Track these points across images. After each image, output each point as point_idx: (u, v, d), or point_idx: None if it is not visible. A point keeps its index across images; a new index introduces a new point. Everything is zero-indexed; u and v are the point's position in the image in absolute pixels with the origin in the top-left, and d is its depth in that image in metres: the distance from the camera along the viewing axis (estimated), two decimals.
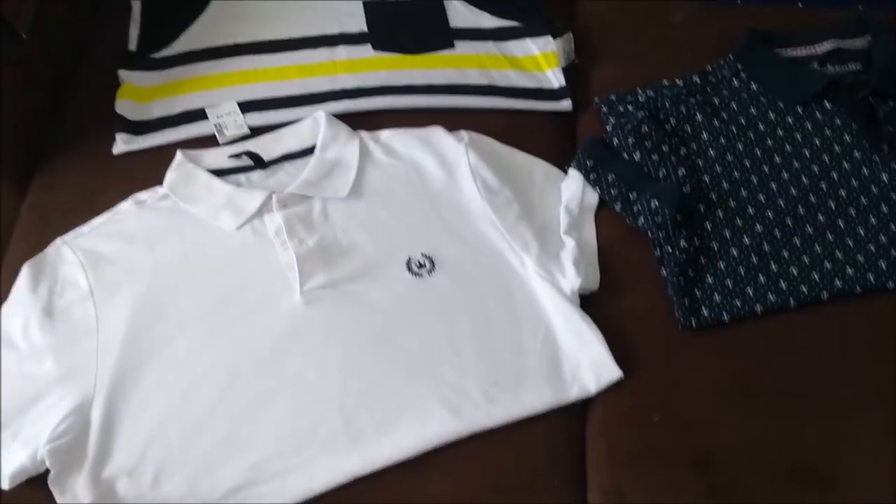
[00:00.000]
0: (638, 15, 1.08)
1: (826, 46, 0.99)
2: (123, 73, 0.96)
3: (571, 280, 0.83)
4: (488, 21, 1.04)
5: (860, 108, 0.92)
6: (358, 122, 0.94)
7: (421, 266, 0.83)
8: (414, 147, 0.91)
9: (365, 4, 1.03)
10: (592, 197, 0.91)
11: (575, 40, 1.04)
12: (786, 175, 0.89)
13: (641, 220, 0.87)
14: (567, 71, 1.02)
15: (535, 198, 0.90)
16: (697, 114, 0.94)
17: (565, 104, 0.99)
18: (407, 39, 1.01)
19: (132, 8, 1.02)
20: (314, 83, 0.96)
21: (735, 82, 0.97)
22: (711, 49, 1.01)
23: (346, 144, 0.90)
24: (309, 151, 0.90)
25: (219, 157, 0.89)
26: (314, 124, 0.91)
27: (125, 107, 0.93)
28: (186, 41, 0.99)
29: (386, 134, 0.92)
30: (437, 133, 0.92)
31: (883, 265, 0.83)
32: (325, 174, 0.88)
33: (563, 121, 1.00)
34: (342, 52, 0.99)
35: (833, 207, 0.87)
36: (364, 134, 0.92)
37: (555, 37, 1.02)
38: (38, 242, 0.86)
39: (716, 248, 0.85)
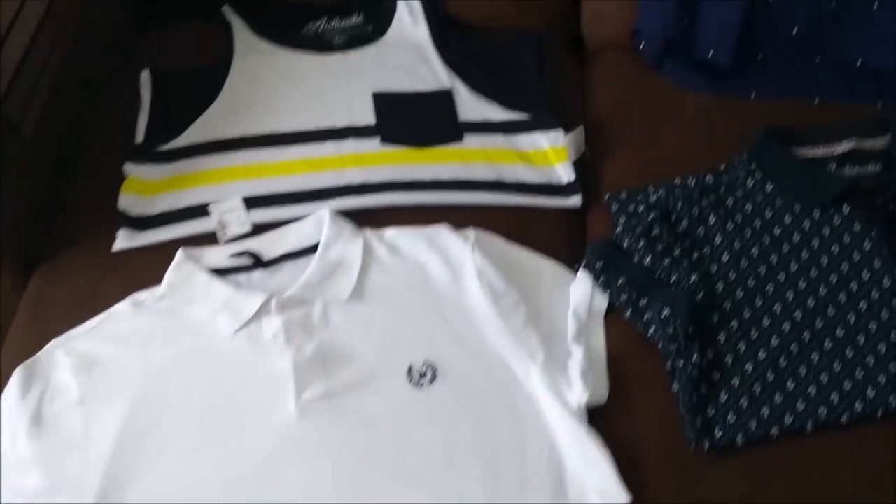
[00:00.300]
0: (651, 107, 1.06)
1: (844, 146, 0.96)
2: (129, 167, 0.95)
3: (579, 395, 0.79)
4: (498, 114, 1.03)
5: (880, 213, 0.89)
6: (363, 217, 0.93)
7: (422, 376, 0.81)
8: (419, 246, 0.89)
9: (374, 96, 1.03)
10: (602, 301, 0.88)
11: (587, 131, 1.03)
12: (802, 284, 0.86)
13: (652, 329, 0.84)
14: (577, 164, 1.00)
15: (543, 301, 0.88)
16: (711, 215, 0.91)
17: (574, 200, 0.97)
18: (415, 132, 1.00)
19: (141, 97, 1.02)
20: (320, 178, 0.95)
21: (750, 182, 0.95)
22: (726, 144, 0.99)
23: (349, 243, 0.88)
24: (312, 250, 0.88)
25: (220, 256, 0.88)
26: (318, 222, 0.90)
27: (129, 201, 0.92)
28: (194, 133, 0.99)
29: (390, 232, 0.91)
30: (443, 232, 0.90)
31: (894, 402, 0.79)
32: (328, 275, 0.86)
33: (572, 217, 0.98)
34: (350, 145, 0.98)
35: (852, 321, 0.83)
36: (368, 232, 0.90)
37: (566, 130, 1.01)
38: (35, 338, 0.84)
39: (730, 363, 0.82)
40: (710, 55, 1.05)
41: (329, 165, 0.96)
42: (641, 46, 1.08)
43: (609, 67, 1.12)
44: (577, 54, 1.16)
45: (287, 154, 0.97)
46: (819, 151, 0.97)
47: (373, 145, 0.98)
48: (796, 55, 1.05)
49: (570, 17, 1.15)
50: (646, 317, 0.85)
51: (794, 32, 1.04)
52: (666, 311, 0.83)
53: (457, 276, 0.88)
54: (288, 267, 0.88)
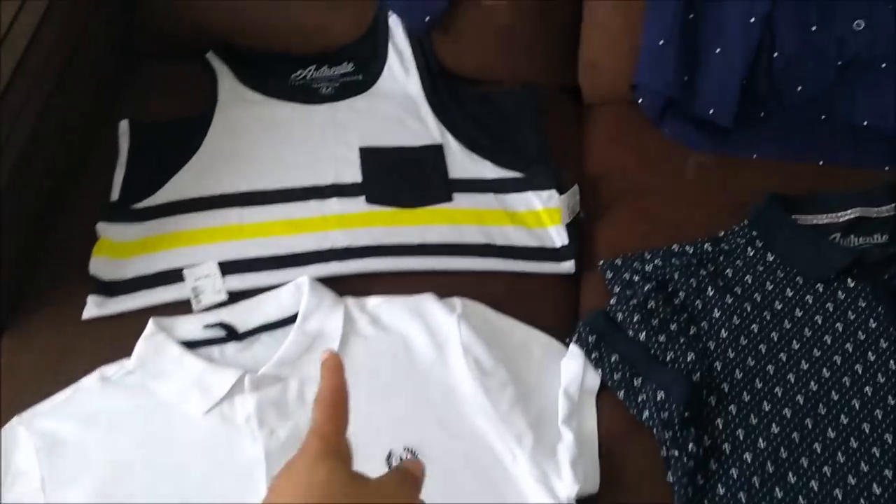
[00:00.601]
0: (650, 165, 1.02)
1: (850, 215, 0.92)
2: (102, 227, 0.91)
3: (568, 485, 0.75)
4: (490, 171, 0.99)
5: (886, 288, 0.85)
6: (346, 283, 0.89)
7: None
8: (403, 318, 0.85)
9: (361, 151, 0.99)
10: (594, 379, 0.83)
11: (582, 191, 0.99)
12: (805, 365, 0.82)
13: (646, 413, 0.79)
14: (572, 226, 0.96)
15: (532, 379, 0.83)
16: (709, 287, 0.87)
17: (568, 266, 0.92)
18: (403, 192, 0.96)
19: (119, 149, 0.98)
20: (302, 241, 0.91)
21: (750, 252, 0.90)
22: (727, 207, 0.95)
23: (329, 314, 0.84)
24: (290, 321, 0.84)
25: (193, 326, 0.83)
26: (296, 291, 0.86)
27: (101, 265, 0.88)
28: (172, 189, 0.95)
29: (373, 302, 0.86)
30: (428, 302, 0.86)
31: None
32: (305, 349, 0.82)
33: (565, 283, 0.94)
34: (334, 205, 0.94)
35: (857, 407, 0.79)
36: (350, 301, 0.86)
37: (560, 189, 0.97)
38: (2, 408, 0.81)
39: (728, 451, 0.77)
40: (711, 113, 1.01)
41: (311, 227, 0.92)
42: (640, 101, 1.05)
43: (607, 121, 1.08)
44: (574, 105, 1.13)
45: (268, 214, 0.93)
46: (823, 219, 0.93)
47: (358, 205, 0.94)
48: (800, 115, 1.01)
49: (567, 68, 1.11)
50: (640, 398, 0.80)
51: (798, 92, 1.00)
52: (661, 395, 0.79)
53: (442, 351, 0.84)
54: (264, 339, 0.84)
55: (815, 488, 0.75)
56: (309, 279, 0.86)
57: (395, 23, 1.06)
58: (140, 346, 0.82)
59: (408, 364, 0.82)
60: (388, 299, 0.87)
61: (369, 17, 1.07)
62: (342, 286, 0.88)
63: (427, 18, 1.03)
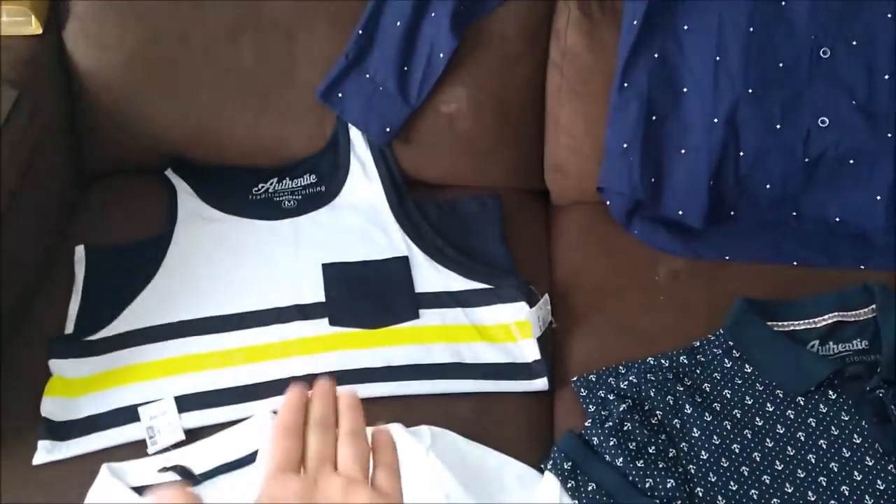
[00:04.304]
0: (621, 271, 1.00)
1: (827, 320, 0.90)
2: (55, 364, 0.87)
3: None
4: (457, 283, 0.96)
5: (868, 399, 0.82)
6: None
7: None
8: None
9: (324, 267, 0.96)
10: None
11: (552, 299, 0.96)
12: (789, 487, 0.78)
13: None
14: (544, 339, 0.93)
15: None
16: (686, 405, 0.84)
17: (540, 384, 0.89)
18: (367, 311, 0.93)
19: (75, 277, 0.95)
20: (263, 370, 0.87)
21: (727, 363, 0.87)
22: (700, 312, 0.93)
23: None
24: (250, 459, 0.80)
25: (147, 471, 0.79)
26: (256, 427, 0.82)
27: (53, 405, 0.84)
28: (129, 319, 0.91)
29: None
30: (397, 433, 0.82)
31: None
32: None
33: (539, 401, 0.90)
34: (295, 329, 0.91)
35: None
36: None
37: (530, 301, 0.94)
38: None
39: None
40: (680, 214, 1.00)
41: (273, 354, 0.89)
42: (608, 203, 1.03)
43: (576, 223, 1.06)
44: (543, 208, 1.11)
45: (227, 342, 0.90)
46: (800, 325, 0.90)
47: (320, 327, 0.91)
48: (771, 214, 1.00)
49: (534, 170, 1.09)
50: None
51: (766, 190, 0.99)
52: None
53: (411, 485, 0.80)
54: (222, 481, 0.80)
55: None
56: (269, 414, 0.82)
57: (356, 133, 1.05)
58: (92, 495, 0.78)
59: None
60: None
61: (329, 129, 1.05)
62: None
63: (387, 129, 1.02)
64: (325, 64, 1.03)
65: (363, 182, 1.04)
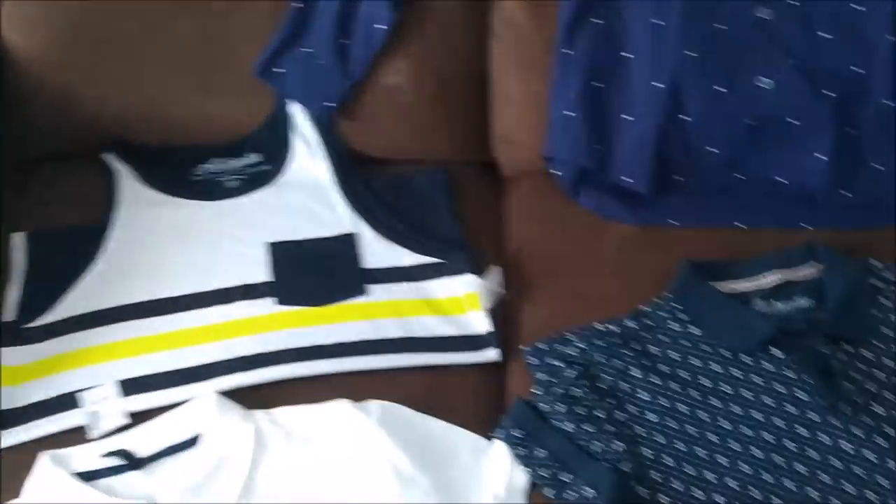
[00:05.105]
0: (572, 240, 1.00)
1: (772, 278, 0.90)
2: None
3: None
4: (407, 258, 0.95)
5: (812, 356, 0.83)
6: (257, 394, 0.84)
7: None
8: (317, 429, 0.80)
9: (270, 247, 0.95)
10: (522, 478, 0.79)
11: (504, 270, 0.96)
12: (735, 445, 0.79)
13: None
14: (496, 310, 0.93)
15: (458, 483, 0.79)
16: (634, 368, 0.84)
17: (491, 354, 0.89)
18: (314, 289, 0.92)
19: (13, 265, 0.93)
20: (208, 351, 0.86)
21: (674, 325, 0.88)
22: (649, 277, 0.93)
23: (237, 432, 0.79)
24: (193, 442, 0.79)
25: (90, 456, 0.78)
26: (200, 409, 0.81)
27: None
28: (70, 304, 0.89)
29: (285, 413, 0.82)
30: (344, 409, 0.81)
31: None
32: (211, 473, 0.77)
33: (490, 372, 0.90)
34: (241, 308, 0.90)
35: (792, 488, 0.76)
36: (259, 415, 0.81)
37: (480, 272, 0.93)
38: None
39: None
40: (627, 181, 1.00)
41: (218, 335, 0.87)
42: (555, 173, 1.03)
43: (525, 195, 1.06)
44: (493, 179, 1.10)
45: (171, 324, 0.88)
46: (745, 285, 0.91)
47: (267, 307, 0.90)
48: (717, 178, 1.00)
49: (482, 142, 1.08)
50: (568, 495, 0.77)
51: (712, 154, 0.99)
52: (590, 492, 0.75)
53: (361, 462, 0.79)
54: (167, 463, 0.78)
55: None
56: (214, 395, 0.81)
57: (297, 109, 1.03)
58: (31, 484, 0.76)
59: (326, 479, 0.78)
60: (301, 410, 0.82)
61: (270, 105, 1.04)
62: (253, 397, 0.84)
63: (328, 104, 1.01)
64: (265, 40, 1.01)
65: (307, 159, 1.02)
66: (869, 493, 0.75)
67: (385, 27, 0.98)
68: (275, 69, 1.01)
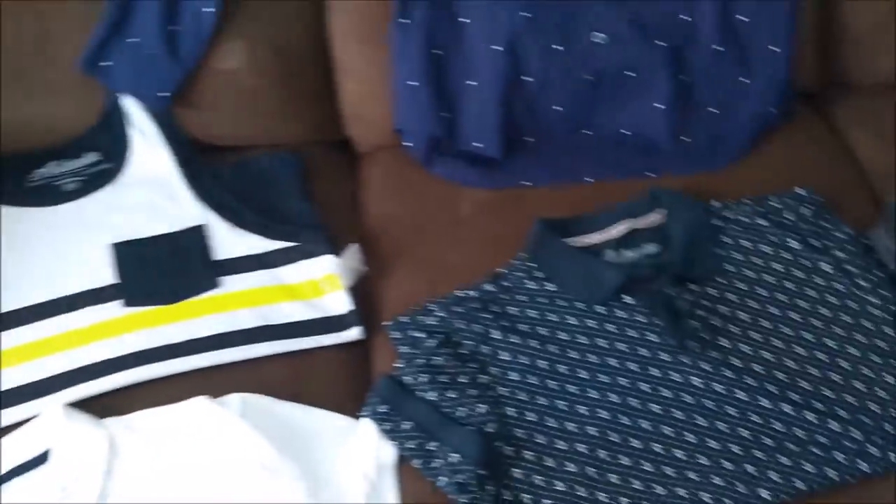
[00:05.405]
0: (428, 211, 1.00)
1: (620, 228, 0.93)
2: None
3: None
4: (259, 245, 0.93)
5: (660, 299, 0.85)
6: (111, 400, 0.81)
7: None
8: (176, 429, 0.78)
9: (114, 248, 0.91)
10: (390, 453, 0.79)
11: (363, 248, 0.95)
12: (594, 393, 0.81)
13: (443, 479, 0.76)
14: (357, 288, 0.92)
15: (326, 466, 0.78)
16: (494, 331, 0.84)
17: (354, 333, 0.88)
18: (163, 287, 0.89)
19: None
20: (51, 363, 0.82)
21: (531, 284, 0.89)
22: (506, 240, 0.94)
23: (88, 443, 0.76)
24: (42, 459, 0.75)
25: None
26: (48, 423, 0.77)
27: None
28: None
29: (141, 417, 0.79)
30: (202, 407, 0.79)
31: (708, 499, 0.75)
32: (65, 487, 0.73)
33: (355, 351, 0.89)
34: (86, 315, 0.86)
35: (648, 428, 0.78)
36: (112, 423, 0.78)
37: (337, 253, 0.92)
38: None
39: (529, 502, 0.75)
40: (478, 146, 1.00)
41: (61, 346, 0.83)
42: (407, 145, 1.02)
43: (382, 169, 1.05)
44: (350, 158, 1.09)
45: (13, 339, 0.83)
46: (596, 238, 0.93)
47: (114, 311, 0.86)
48: (564, 136, 1.02)
49: (333, 121, 1.07)
50: (435, 464, 0.77)
51: (556, 112, 1.00)
52: (455, 457, 0.76)
53: (225, 458, 0.77)
54: (17, 485, 0.75)
55: None
56: (62, 407, 0.78)
57: (130, 102, 0.98)
58: None
59: (190, 480, 0.75)
60: (160, 411, 0.80)
61: (102, 101, 0.99)
62: (108, 405, 0.81)
63: (162, 94, 0.97)
64: (87, 35, 0.96)
65: (148, 153, 0.98)
66: (720, 423, 0.78)
67: (213, 10, 0.95)
68: (101, 63, 0.96)
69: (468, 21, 0.98)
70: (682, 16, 0.99)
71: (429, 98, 0.98)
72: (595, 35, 0.98)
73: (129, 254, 0.91)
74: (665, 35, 0.99)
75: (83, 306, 0.86)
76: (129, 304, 0.87)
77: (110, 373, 0.82)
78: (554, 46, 0.98)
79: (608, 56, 0.98)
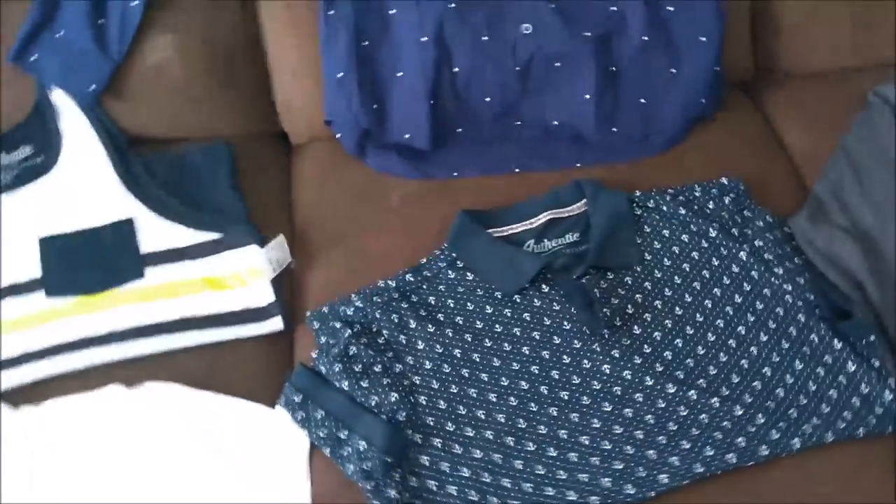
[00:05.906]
0: (358, 202, 1.00)
1: (542, 218, 0.93)
2: None
3: None
4: (186, 237, 0.93)
5: (578, 290, 0.86)
6: (26, 392, 0.82)
7: None
8: (88, 420, 0.79)
9: (41, 242, 0.91)
10: (303, 443, 0.80)
11: (292, 239, 0.96)
12: (504, 381, 0.82)
13: (351, 467, 0.77)
14: (281, 279, 0.92)
15: (239, 454, 0.79)
16: (411, 320, 0.85)
17: (274, 324, 0.89)
18: (87, 278, 0.89)
19: None
20: None
21: (451, 274, 0.90)
22: (432, 230, 0.95)
23: (3, 432, 0.77)
24: None
25: None
26: None
27: None
28: None
29: (55, 406, 0.80)
30: (117, 394, 0.80)
31: (607, 483, 0.76)
32: None
33: (277, 342, 0.90)
34: (6, 309, 0.86)
35: (555, 414, 0.79)
36: (28, 411, 0.79)
37: (262, 244, 0.93)
38: None
39: (434, 488, 0.76)
40: (407, 138, 1.01)
41: None
42: (338, 136, 1.03)
43: (314, 161, 1.05)
44: (286, 150, 1.10)
45: None
46: (518, 228, 0.93)
47: (35, 303, 0.87)
48: (495, 127, 1.02)
49: (268, 113, 1.07)
50: (344, 452, 0.78)
51: (486, 103, 1.00)
52: (363, 444, 0.77)
53: (139, 445, 0.78)
54: None
55: None
56: None
57: (60, 96, 0.99)
58: None
59: (106, 466, 0.77)
60: (74, 399, 0.81)
61: (33, 94, 1.00)
62: (22, 395, 0.81)
63: (92, 87, 0.98)
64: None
65: (80, 147, 0.98)
66: (626, 409, 0.79)
67: (139, 2, 0.96)
68: (30, 56, 0.97)
69: (395, 12, 0.98)
70: (610, 7, 1.00)
71: (357, 90, 0.98)
72: (523, 26, 0.99)
73: (55, 248, 0.91)
74: (593, 26, 0.99)
75: (6, 297, 0.87)
76: (50, 293, 0.88)
77: (26, 363, 0.83)
78: (482, 38, 0.98)
79: (536, 47, 0.99)
